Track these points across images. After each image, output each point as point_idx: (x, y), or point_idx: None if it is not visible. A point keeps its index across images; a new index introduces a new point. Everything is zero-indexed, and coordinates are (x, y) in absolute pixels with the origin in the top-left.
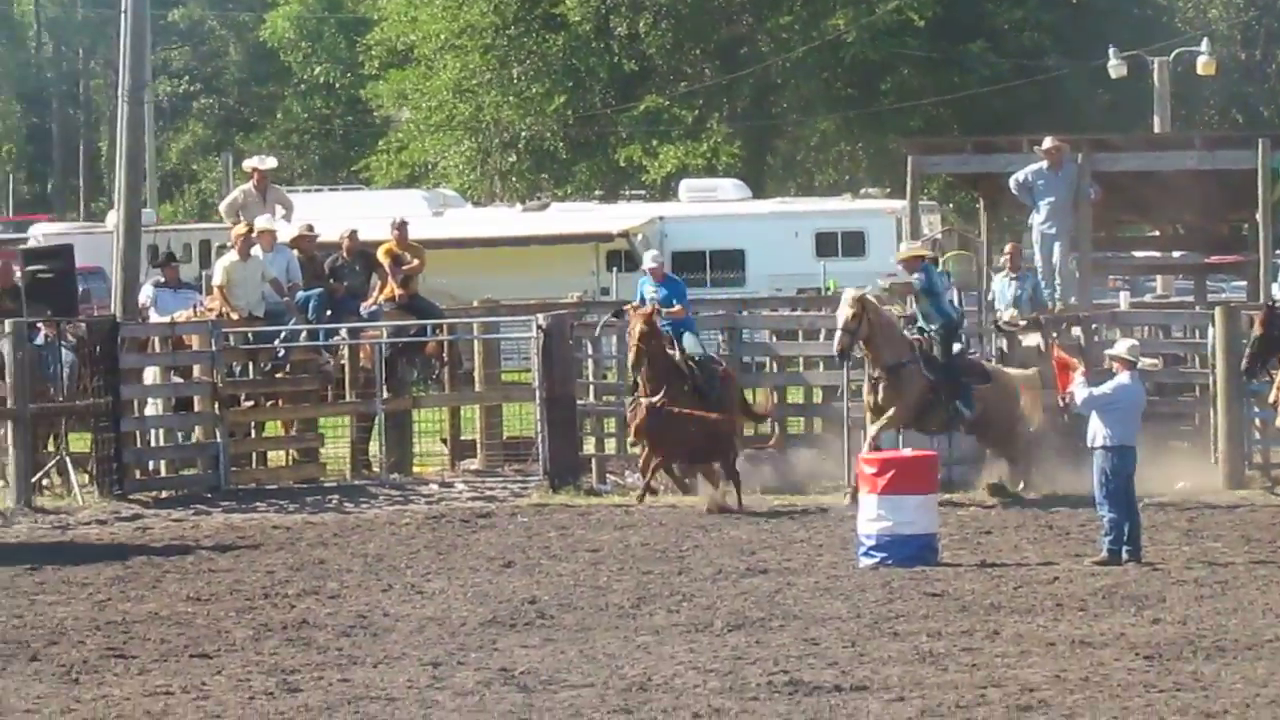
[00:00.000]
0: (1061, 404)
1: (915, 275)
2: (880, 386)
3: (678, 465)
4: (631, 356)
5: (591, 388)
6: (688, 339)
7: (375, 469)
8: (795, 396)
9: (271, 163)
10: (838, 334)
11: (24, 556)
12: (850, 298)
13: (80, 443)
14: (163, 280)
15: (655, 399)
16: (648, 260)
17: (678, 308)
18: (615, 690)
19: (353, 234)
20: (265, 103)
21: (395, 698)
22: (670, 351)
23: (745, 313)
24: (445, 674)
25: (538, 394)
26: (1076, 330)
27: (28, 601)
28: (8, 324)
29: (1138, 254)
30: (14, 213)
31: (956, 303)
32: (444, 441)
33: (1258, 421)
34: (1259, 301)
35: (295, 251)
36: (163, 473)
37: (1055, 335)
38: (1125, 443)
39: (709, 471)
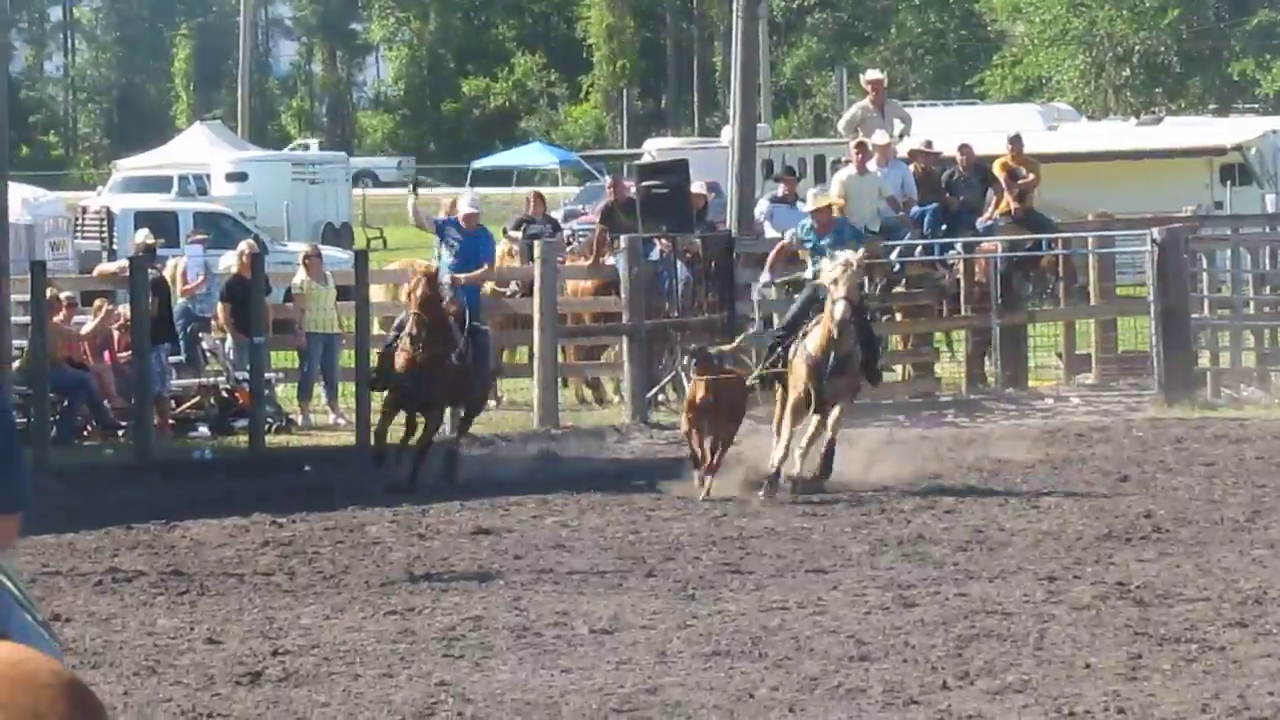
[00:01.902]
0: None
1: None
2: None
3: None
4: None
5: (1206, 301)
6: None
7: (990, 383)
8: None
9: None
10: None
11: (639, 473)
12: None
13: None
14: (780, 195)
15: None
16: (465, 206)
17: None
18: (1231, 604)
19: (968, 148)
20: (879, 17)
21: (1011, 612)
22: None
23: None
24: (1061, 588)
25: (1152, 308)
26: None
27: (644, 517)
28: (623, 239)
29: None
30: (629, 129)
31: None
32: (1059, 356)
33: None
34: None
35: (911, 166)
36: None
37: None
38: None
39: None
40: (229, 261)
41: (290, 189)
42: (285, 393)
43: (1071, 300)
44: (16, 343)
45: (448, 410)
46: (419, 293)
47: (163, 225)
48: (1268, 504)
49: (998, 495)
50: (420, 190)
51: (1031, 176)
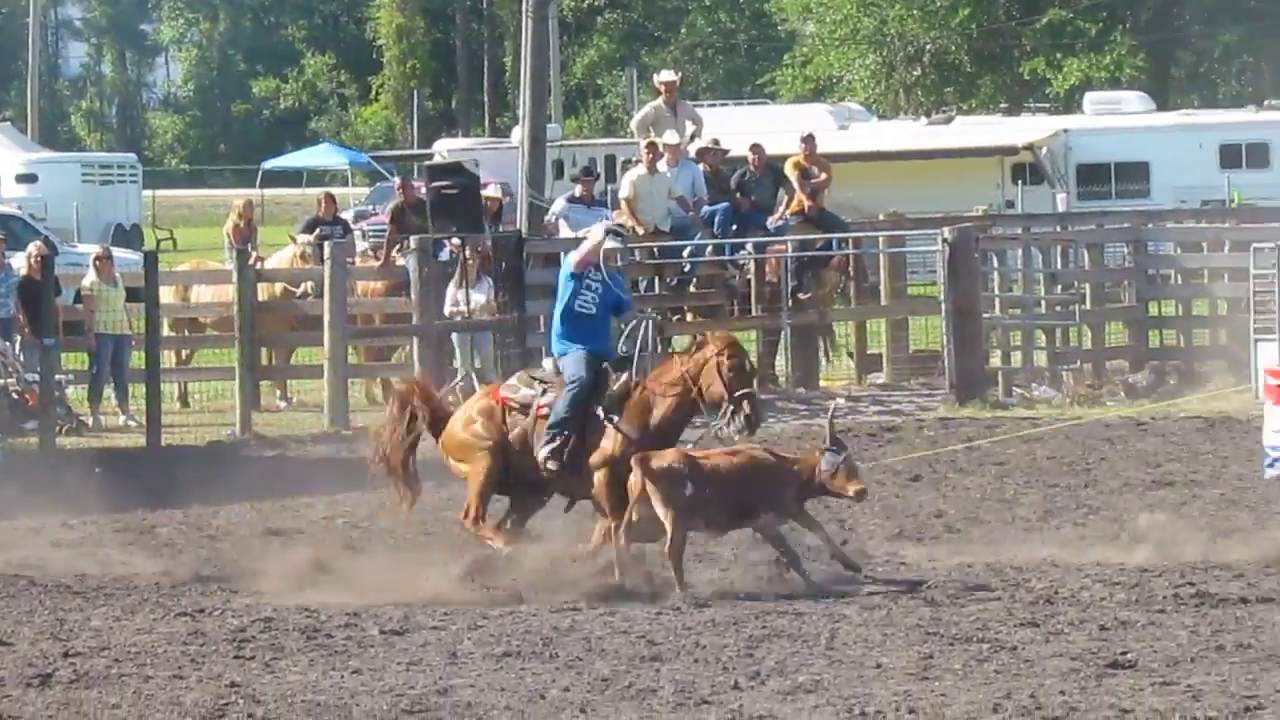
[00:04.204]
0: None
1: None
2: None
3: None
4: None
5: (997, 300)
6: None
7: (781, 383)
8: (1200, 309)
9: (674, 76)
10: None
11: (428, 474)
12: None
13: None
14: (577, 195)
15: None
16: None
17: None
18: (1022, 604)
19: (759, 148)
20: (670, 17)
21: (802, 612)
22: None
23: (1150, 225)
24: (852, 589)
25: (944, 307)
26: None
27: (434, 518)
28: (413, 240)
29: None
30: (419, 129)
31: None
32: (850, 355)
33: None
34: None
35: (702, 166)
36: None
37: None
38: None
39: None
40: (19, 263)
41: (80, 190)
42: (76, 394)
43: (863, 300)
44: None
45: None
46: None
47: None
48: (1059, 503)
49: None
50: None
51: (823, 176)
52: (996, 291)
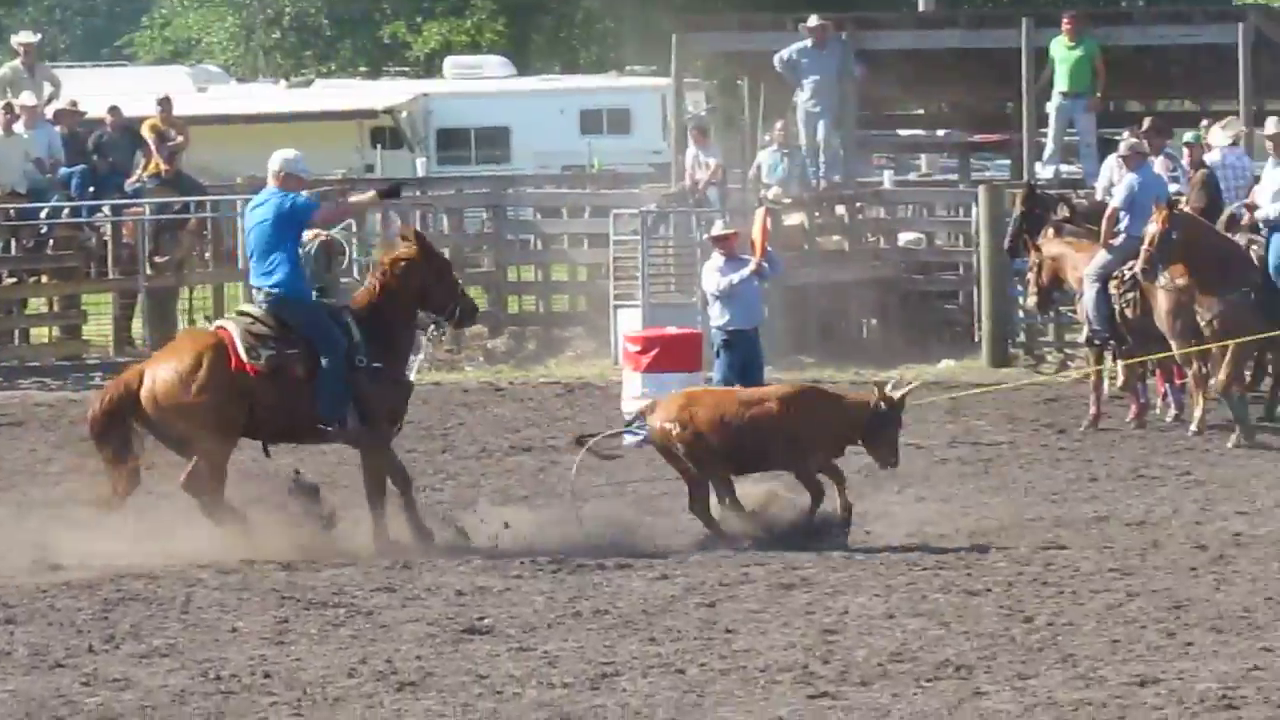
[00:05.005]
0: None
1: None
2: None
3: None
4: None
5: (356, 267)
6: None
7: (140, 345)
8: (559, 274)
9: (34, 37)
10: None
11: None
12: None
13: None
14: None
15: None
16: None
17: None
18: (379, 569)
19: (117, 110)
20: None
21: (158, 576)
22: None
23: (510, 190)
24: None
25: None
26: (840, 209)
27: None
28: None
29: (902, 132)
30: None
31: None
32: (208, 319)
33: (1021, 300)
34: (1022, 180)
35: (58, 127)
36: None
37: (818, 214)
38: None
39: None
40: None
41: None
42: None
43: (221, 264)
44: None
45: None
46: None
47: None
48: (417, 469)
49: None
50: None
51: (180, 139)
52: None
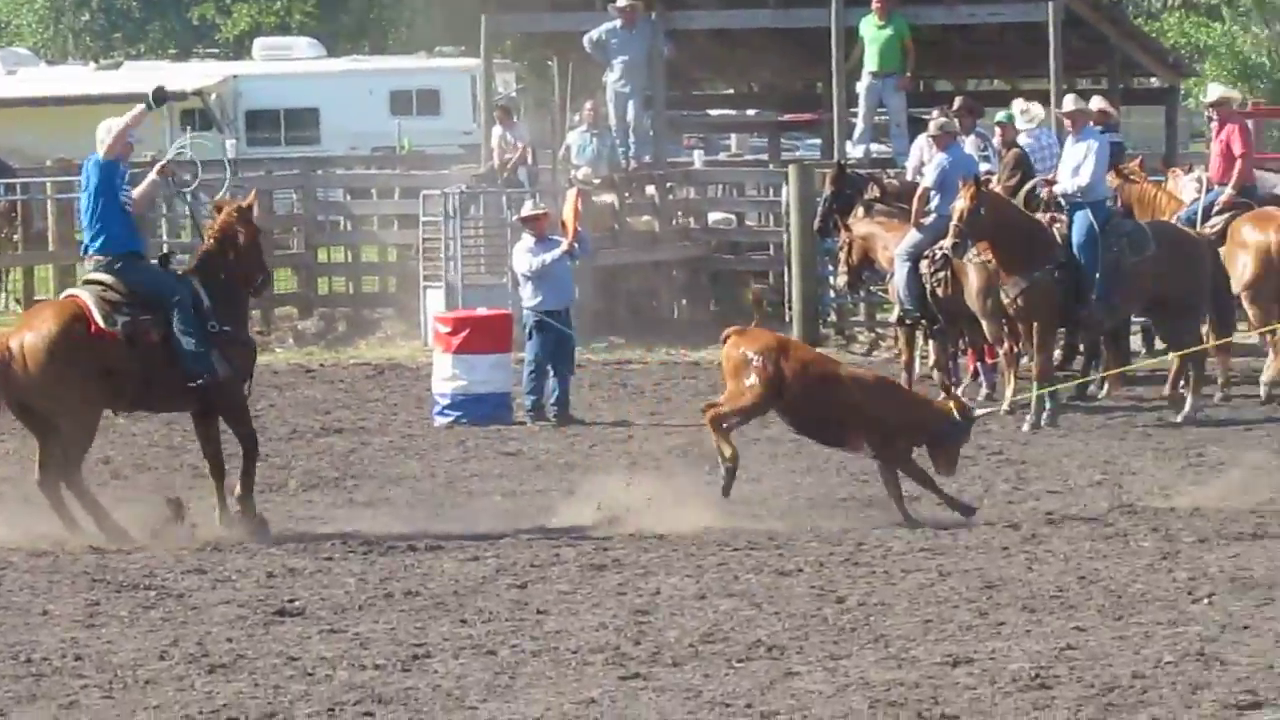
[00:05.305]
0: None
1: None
2: None
3: None
4: None
5: (165, 246)
6: None
7: None
8: (370, 255)
9: None
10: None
11: None
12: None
13: None
14: None
15: None
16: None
17: None
18: (190, 551)
19: None
20: None
21: None
22: None
23: (320, 172)
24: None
25: None
26: (651, 189)
27: None
28: None
29: (713, 112)
30: None
31: None
32: (18, 302)
33: (831, 280)
34: (833, 160)
35: None
36: None
37: (628, 194)
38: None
39: None
40: None
41: None
42: None
43: (31, 246)
44: None
45: None
46: None
47: None
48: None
49: None
50: None
51: None
52: (165, 238)
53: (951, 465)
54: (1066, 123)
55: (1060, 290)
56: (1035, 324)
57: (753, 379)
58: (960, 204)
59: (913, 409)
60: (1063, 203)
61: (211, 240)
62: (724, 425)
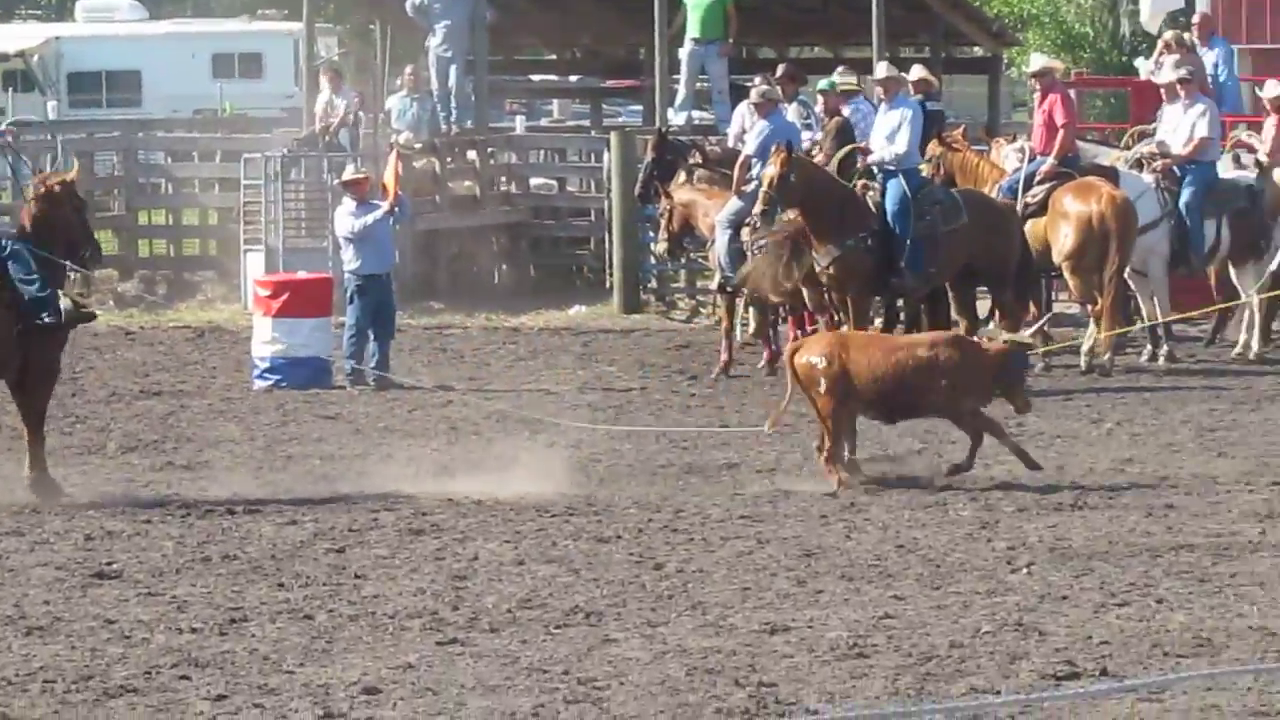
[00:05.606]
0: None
1: None
2: None
3: None
4: None
5: None
6: None
7: None
8: (190, 218)
9: None
10: None
11: None
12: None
13: None
14: None
15: None
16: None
17: None
18: (8, 513)
19: None
20: None
21: None
22: None
23: (141, 134)
24: None
25: None
26: (472, 154)
27: None
28: None
29: (535, 77)
30: None
31: None
32: None
33: (652, 246)
34: (654, 126)
35: None
36: None
37: (449, 159)
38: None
39: None
40: None
41: None
42: None
43: None
44: None
45: None
46: None
47: None
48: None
49: None
50: None
51: None
52: None
53: (1026, 401)
54: (878, 91)
55: (873, 259)
56: (849, 293)
57: (822, 384)
58: (770, 170)
59: (981, 355)
60: (876, 172)
61: (35, 211)
62: (833, 461)
